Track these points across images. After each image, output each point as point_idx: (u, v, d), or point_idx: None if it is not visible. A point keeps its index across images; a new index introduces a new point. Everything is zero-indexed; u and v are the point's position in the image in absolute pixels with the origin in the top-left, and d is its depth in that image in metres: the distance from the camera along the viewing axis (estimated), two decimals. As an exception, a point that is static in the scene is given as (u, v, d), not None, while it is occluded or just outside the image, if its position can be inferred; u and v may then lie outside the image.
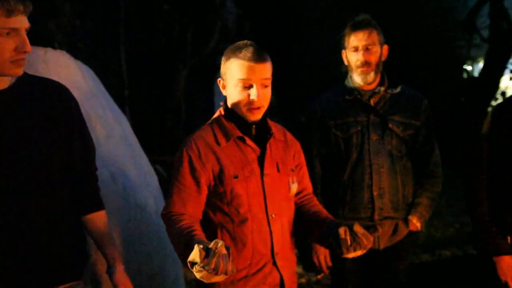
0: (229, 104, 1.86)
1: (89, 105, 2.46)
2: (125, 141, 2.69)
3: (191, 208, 1.79)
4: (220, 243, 1.44)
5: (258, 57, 1.76)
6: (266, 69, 1.78)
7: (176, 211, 1.78)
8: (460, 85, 10.35)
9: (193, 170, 1.79)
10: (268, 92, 1.81)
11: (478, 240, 2.19)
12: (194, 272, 1.46)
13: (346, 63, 2.45)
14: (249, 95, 1.77)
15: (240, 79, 1.77)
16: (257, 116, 1.82)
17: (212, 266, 1.42)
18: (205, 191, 1.81)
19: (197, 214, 1.82)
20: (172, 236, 1.75)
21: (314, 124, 2.46)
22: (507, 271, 2.10)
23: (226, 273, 1.44)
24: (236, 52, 1.79)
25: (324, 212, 1.96)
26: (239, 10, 9.14)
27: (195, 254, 1.44)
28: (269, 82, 1.81)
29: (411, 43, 8.90)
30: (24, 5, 1.51)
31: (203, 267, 1.42)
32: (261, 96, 1.78)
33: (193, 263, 1.45)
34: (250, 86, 1.77)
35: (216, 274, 1.43)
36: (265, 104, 1.82)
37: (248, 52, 1.76)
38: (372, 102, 2.38)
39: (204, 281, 1.47)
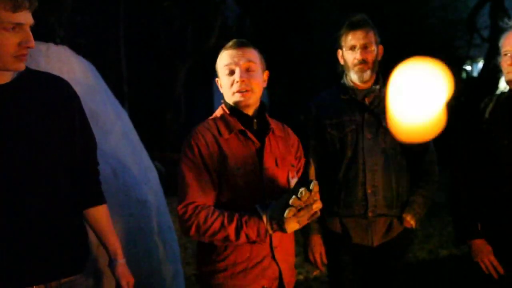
0: (225, 97, 1.94)
1: (91, 101, 2.47)
2: (126, 136, 2.70)
3: (210, 195, 1.82)
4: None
5: (237, 44, 1.90)
6: (247, 53, 1.90)
7: (199, 201, 1.78)
8: (459, 85, 10.39)
9: (203, 158, 1.83)
10: (254, 77, 1.89)
11: (455, 227, 2.35)
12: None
13: (342, 62, 2.47)
14: (233, 79, 1.87)
15: (225, 65, 1.89)
16: (246, 100, 1.88)
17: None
18: (216, 176, 1.83)
19: (211, 201, 1.83)
20: (216, 223, 1.74)
21: (310, 123, 2.49)
22: (477, 253, 2.24)
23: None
24: (224, 47, 1.93)
25: None
26: (239, 7, 9.14)
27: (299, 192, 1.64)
28: (254, 67, 1.90)
29: (411, 43, 8.93)
30: (30, 1, 1.53)
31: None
32: (245, 78, 1.86)
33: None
34: (233, 71, 1.88)
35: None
36: (254, 88, 1.89)
37: (230, 43, 1.92)
38: (366, 101, 2.41)
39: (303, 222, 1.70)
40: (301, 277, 4.18)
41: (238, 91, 1.87)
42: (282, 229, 1.70)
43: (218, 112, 1.96)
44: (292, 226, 1.69)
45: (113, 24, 6.39)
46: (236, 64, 1.88)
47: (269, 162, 1.88)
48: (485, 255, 2.21)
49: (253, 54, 1.90)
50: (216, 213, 1.75)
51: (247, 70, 1.87)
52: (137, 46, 6.80)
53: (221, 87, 1.95)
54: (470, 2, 10.31)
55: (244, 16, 9.24)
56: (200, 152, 1.83)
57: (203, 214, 1.76)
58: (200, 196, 1.79)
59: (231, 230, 1.73)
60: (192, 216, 1.76)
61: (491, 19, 9.77)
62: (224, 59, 1.90)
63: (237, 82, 1.86)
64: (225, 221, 1.74)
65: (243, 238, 1.74)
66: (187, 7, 7.02)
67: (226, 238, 1.75)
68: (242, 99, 1.87)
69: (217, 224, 1.74)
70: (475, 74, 12.58)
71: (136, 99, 6.64)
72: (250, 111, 1.91)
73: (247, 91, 1.87)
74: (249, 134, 1.88)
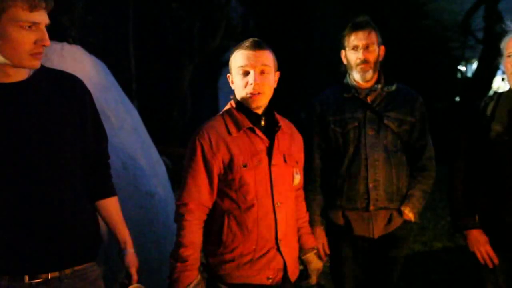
0: (236, 95, 1.96)
1: (103, 98, 2.50)
2: (136, 132, 2.73)
3: (206, 195, 1.88)
4: None
5: (254, 45, 1.89)
6: (263, 56, 1.89)
7: (192, 203, 1.87)
8: (454, 85, 10.45)
9: (205, 158, 1.87)
10: (267, 79, 1.90)
11: (452, 217, 2.38)
12: None
13: (345, 62, 2.53)
14: (247, 81, 1.88)
15: (239, 67, 1.89)
16: (257, 102, 1.91)
17: None
18: (216, 178, 1.89)
19: (209, 202, 1.90)
20: (178, 238, 1.89)
21: (314, 120, 2.54)
22: (474, 243, 2.28)
23: None
24: (239, 46, 1.93)
25: (302, 213, 2.16)
26: (244, 8, 9.19)
27: None
28: (268, 70, 1.91)
29: (408, 44, 8.99)
30: (46, 2, 1.58)
31: None
32: (258, 81, 1.88)
33: None
34: (248, 73, 1.89)
35: None
36: (266, 91, 1.91)
37: (246, 43, 1.91)
38: (368, 99, 2.46)
39: None
40: (302, 267, 4.23)
41: (251, 93, 1.88)
42: None
43: (228, 107, 1.98)
44: None
45: (123, 24, 6.46)
46: (252, 66, 1.88)
47: (277, 158, 1.92)
48: (482, 245, 2.25)
49: (268, 57, 1.91)
50: (186, 238, 1.87)
51: (261, 73, 1.89)
52: (145, 45, 6.86)
53: (232, 83, 1.97)
54: (465, 5, 10.34)
55: (248, 16, 9.29)
56: (203, 152, 1.87)
57: (181, 226, 1.90)
58: (195, 197, 1.88)
59: (174, 259, 1.89)
60: (179, 217, 1.90)
61: (485, 22, 9.83)
62: (240, 59, 1.90)
63: (251, 84, 1.87)
64: (179, 251, 1.88)
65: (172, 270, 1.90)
66: (194, 9, 7.08)
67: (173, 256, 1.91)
68: (254, 101, 1.90)
69: (178, 245, 1.90)
70: (469, 74, 12.63)
71: (145, 96, 6.71)
72: (259, 111, 1.94)
73: (259, 93, 1.89)
74: (258, 131, 1.91)
